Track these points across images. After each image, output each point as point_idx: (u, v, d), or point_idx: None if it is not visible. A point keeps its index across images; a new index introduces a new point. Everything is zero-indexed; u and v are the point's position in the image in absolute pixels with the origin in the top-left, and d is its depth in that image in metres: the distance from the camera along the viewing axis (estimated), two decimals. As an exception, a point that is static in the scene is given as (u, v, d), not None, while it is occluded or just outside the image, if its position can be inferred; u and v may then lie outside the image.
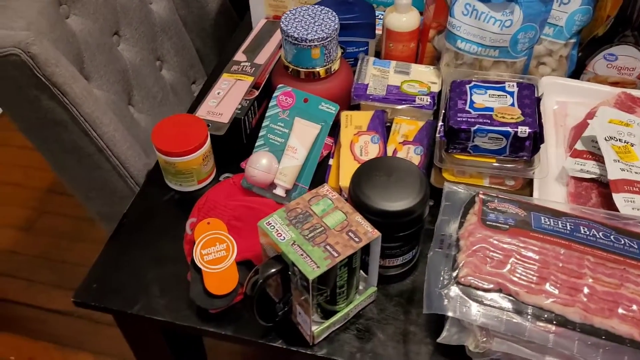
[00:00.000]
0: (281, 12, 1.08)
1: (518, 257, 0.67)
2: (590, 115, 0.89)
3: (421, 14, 1.01)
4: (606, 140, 0.83)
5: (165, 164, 0.86)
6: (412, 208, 0.69)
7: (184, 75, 1.29)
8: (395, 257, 0.74)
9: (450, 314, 0.65)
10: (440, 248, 0.71)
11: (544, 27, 0.92)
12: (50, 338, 1.58)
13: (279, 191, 0.84)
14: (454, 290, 0.66)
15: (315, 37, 0.87)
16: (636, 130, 0.85)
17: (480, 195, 0.74)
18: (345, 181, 0.83)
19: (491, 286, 0.66)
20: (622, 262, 0.67)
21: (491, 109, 0.82)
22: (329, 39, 0.88)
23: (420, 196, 0.70)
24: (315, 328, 0.70)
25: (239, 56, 1.00)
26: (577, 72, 0.98)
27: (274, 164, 0.84)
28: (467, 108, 0.82)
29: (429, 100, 0.93)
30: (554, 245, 0.68)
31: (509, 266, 0.67)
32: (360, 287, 0.75)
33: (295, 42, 0.88)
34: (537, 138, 0.80)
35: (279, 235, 0.66)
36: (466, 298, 0.65)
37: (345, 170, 0.84)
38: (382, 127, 0.90)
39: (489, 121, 0.80)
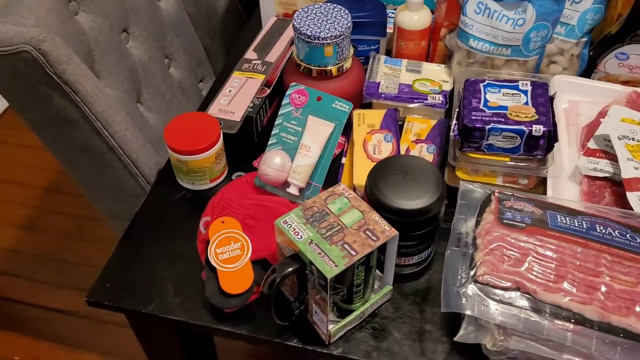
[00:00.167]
0: (291, 9, 1.08)
1: (535, 255, 0.67)
2: (602, 114, 0.90)
3: (432, 12, 1.01)
4: (619, 139, 0.83)
5: (177, 163, 0.86)
6: (429, 207, 0.69)
7: (191, 74, 1.28)
8: (410, 256, 0.74)
9: (468, 312, 0.65)
10: (457, 247, 0.71)
11: (556, 25, 0.92)
12: (54, 338, 1.57)
13: (293, 190, 0.84)
14: (472, 289, 0.66)
15: (329, 34, 0.86)
16: (648, 129, 0.85)
17: (496, 194, 0.74)
18: (359, 179, 0.83)
19: (509, 284, 0.66)
20: (639, 260, 0.67)
21: (505, 108, 0.82)
22: (342, 37, 0.87)
23: (437, 195, 0.70)
24: (331, 327, 0.70)
25: (250, 54, 0.99)
26: (588, 71, 0.98)
27: (287, 163, 0.83)
28: (481, 107, 0.82)
29: (441, 98, 0.93)
30: (570, 244, 0.68)
31: (526, 265, 0.67)
32: (376, 286, 0.75)
33: (308, 40, 0.87)
34: (551, 137, 0.80)
35: (296, 234, 0.66)
36: (484, 297, 0.65)
37: (358, 168, 0.84)
38: (395, 125, 0.90)
39: (504, 120, 0.80)
